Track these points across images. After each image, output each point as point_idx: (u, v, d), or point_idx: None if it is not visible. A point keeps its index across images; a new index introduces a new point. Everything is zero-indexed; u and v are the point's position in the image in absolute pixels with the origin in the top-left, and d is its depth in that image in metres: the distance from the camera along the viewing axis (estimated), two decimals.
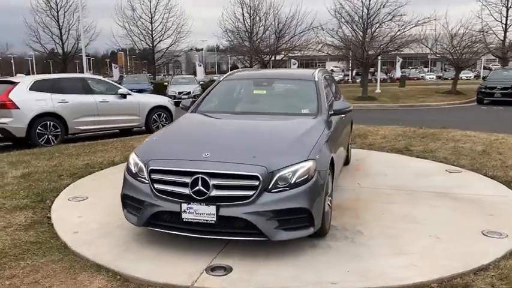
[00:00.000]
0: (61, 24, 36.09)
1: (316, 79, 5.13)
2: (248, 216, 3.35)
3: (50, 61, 61.50)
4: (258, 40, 28.38)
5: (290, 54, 30.21)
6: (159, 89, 24.02)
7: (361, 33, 21.66)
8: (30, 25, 35.27)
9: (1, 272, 3.35)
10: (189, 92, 22.80)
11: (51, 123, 9.67)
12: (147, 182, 3.59)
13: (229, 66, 68.81)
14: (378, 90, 27.07)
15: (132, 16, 34.25)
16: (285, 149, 3.68)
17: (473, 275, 3.22)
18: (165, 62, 43.35)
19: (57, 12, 36.29)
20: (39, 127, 9.48)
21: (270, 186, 3.39)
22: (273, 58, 26.97)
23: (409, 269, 3.30)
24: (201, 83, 26.83)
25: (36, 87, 9.63)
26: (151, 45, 35.56)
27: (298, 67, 31.41)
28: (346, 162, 6.56)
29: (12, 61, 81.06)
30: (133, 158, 3.84)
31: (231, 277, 3.21)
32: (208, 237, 3.47)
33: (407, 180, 5.77)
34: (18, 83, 9.57)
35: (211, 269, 3.31)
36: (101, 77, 12.79)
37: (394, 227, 4.18)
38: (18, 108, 9.20)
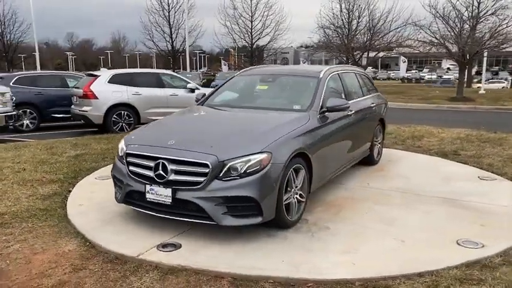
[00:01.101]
0: (172, 23, 39.12)
1: (321, 76, 5.16)
2: (198, 200, 3.63)
3: (170, 58, 67.04)
4: (352, 36, 27.80)
5: (400, 51, 28.95)
6: None
7: (457, 28, 20.08)
8: (145, 24, 38.82)
9: (4, 229, 4.08)
10: None
11: (125, 112, 10.80)
12: (125, 164, 4.07)
13: (336, 62, 68.05)
14: (482, 91, 24.85)
15: (233, 14, 35.75)
16: (243, 141, 3.88)
17: (404, 278, 3.13)
18: (273, 60, 44.47)
19: (169, 12, 39.43)
20: (114, 116, 10.66)
21: (221, 175, 3.63)
22: (365, 55, 26.21)
23: (344, 266, 3.31)
24: None
25: (114, 80, 10.83)
26: (250, 43, 36.74)
27: (408, 65, 30.03)
28: (372, 162, 6.41)
29: (138, 57, 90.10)
30: (121, 143, 4.34)
31: (173, 254, 3.53)
32: (166, 216, 3.83)
33: (425, 184, 5.50)
34: (99, 76, 10.85)
35: (163, 246, 3.66)
36: (173, 73, 13.77)
37: (365, 226, 4.13)
38: (97, 98, 10.44)
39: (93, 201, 4.81)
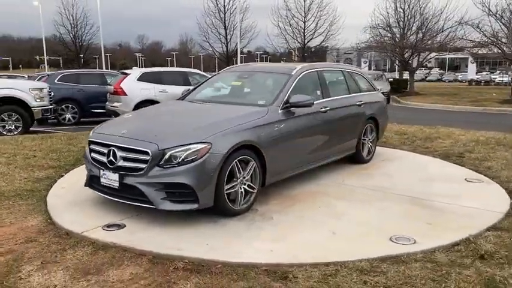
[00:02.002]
0: (227, 25, 40.02)
1: (293, 73, 5.28)
2: (140, 185, 3.93)
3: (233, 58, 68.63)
4: (404, 36, 26.96)
5: (472, 51, 27.64)
6: None
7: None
8: (201, 26, 40.05)
9: None
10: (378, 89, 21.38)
11: None
12: (88, 150, 4.47)
13: (396, 64, 66.40)
14: None
15: (286, 15, 35.92)
16: (187, 132, 4.13)
17: (309, 266, 3.21)
18: (335, 61, 44.25)
19: (224, 14, 40.34)
20: None
21: (161, 162, 3.90)
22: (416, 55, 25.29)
23: (261, 253, 3.45)
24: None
25: (143, 78, 11.48)
26: (302, 43, 36.73)
27: (480, 66, 28.69)
28: (360, 160, 6.38)
29: (201, 59, 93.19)
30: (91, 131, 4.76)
31: (113, 233, 3.83)
32: (115, 199, 4.16)
33: (402, 184, 5.43)
34: (129, 74, 11.55)
35: (109, 226, 3.99)
36: (202, 72, 14.23)
37: (309, 219, 4.22)
38: (126, 95, 11.12)
39: (75, 186, 5.26)
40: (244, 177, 4.28)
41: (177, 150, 3.90)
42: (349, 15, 40.23)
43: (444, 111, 18.44)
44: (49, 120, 11.93)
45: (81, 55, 53.17)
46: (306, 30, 36.37)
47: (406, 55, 25.11)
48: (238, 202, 4.25)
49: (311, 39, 36.66)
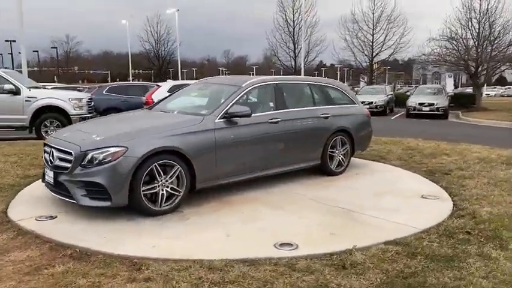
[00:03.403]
0: (295, 39, 40.53)
1: (243, 85, 5.55)
2: (66, 182, 4.47)
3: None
4: (470, 48, 25.37)
5: None
6: (400, 99, 24.07)
7: None
8: (270, 41, 40.97)
9: None
10: (433, 104, 20.83)
11: None
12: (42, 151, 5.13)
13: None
14: None
15: (353, 28, 35.50)
16: (110, 136, 4.60)
17: (177, 261, 3.49)
18: (421, 74, 42.80)
19: (293, 29, 40.92)
20: None
21: (83, 162, 4.40)
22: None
23: (144, 248, 3.78)
24: (449, 95, 24.27)
25: (172, 90, 12.27)
26: (370, 56, 35.98)
27: None
28: (328, 172, 6.42)
29: (281, 72, 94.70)
30: None
31: (39, 222, 4.38)
32: (53, 194, 4.73)
33: (353, 196, 5.43)
34: (161, 86, 12.43)
35: (40, 217, 4.54)
36: None
37: (220, 222, 4.47)
38: None
39: None
40: (166, 181, 4.63)
41: (96, 152, 4.38)
42: (418, 28, 38.61)
43: (481, 127, 17.25)
44: None
45: (169, 69, 57.01)
46: (374, 43, 35.60)
47: (472, 68, 23.59)
48: (159, 203, 4.61)
49: (379, 52, 35.78)
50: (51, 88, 17.16)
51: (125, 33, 48.15)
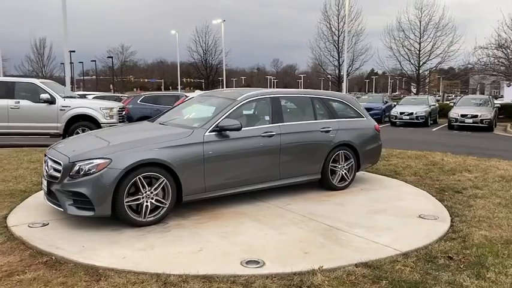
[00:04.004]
0: (339, 48, 40.03)
1: (238, 99, 5.59)
2: (56, 192, 4.68)
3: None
4: None
5: None
6: (447, 110, 23.53)
7: None
8: (314, 49, 40.75)
9: None
10: (476, 115, 19.48)
11: None
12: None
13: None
14: None
15: (399, 36, 34.60)
16: (98, 148, 4.76)
17: (118, 272, 3.56)
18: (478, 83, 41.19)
19: (338, 38, 40.47)
20: None
21: (71, 173, 4.60)
22: None
23: (112, 257, 3.88)
24: (496, 106, 22.32)
25: None
26: (417, 65, 34.89)
27: None
28: (330, 186, 6.29)
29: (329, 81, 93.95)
30: None
31: (30, 229, 4.60)
32: (47, 202, 4.96)
33: (346, 213, 5.30)
34: (188, 96, 12.70)
35: (33, 223, 4.78)
36: None
37: (199, 235, 4.51)
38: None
39: None
40: (151, 192, 4.74)
41: (82, 163, 4.56)
42: (468, 36, 36.97)
43: None
44: None
45: (218, 78, 58.19)
46: (421, 52, 34.50)
47: None
48: (143, 214, 4.71)
49: (426, 61, 34.62)
50: (93, 98, 18.01)
51: (176, 43, 49.61)
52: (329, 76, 42.52)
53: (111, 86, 77.39)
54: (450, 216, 5.25)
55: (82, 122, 11.66)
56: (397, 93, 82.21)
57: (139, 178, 4.64)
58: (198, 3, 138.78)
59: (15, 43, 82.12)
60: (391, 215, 5.25)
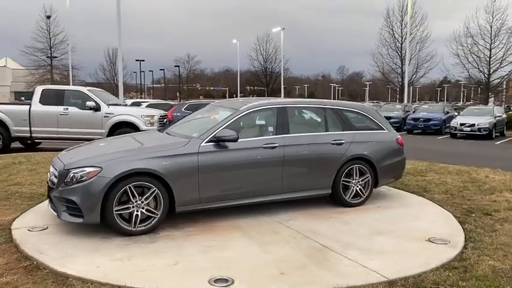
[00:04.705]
0: (402, 55, 38.53)
1: (241, 109, 5.47)
2: (54, 198, 4.82)
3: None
4: None
5: None
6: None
7: None
8: (375, 56, 39.59)
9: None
10: None
11: None
12: None
13: None
14: None
15: (467, 43, 32.56)
16: (93, 156, 4.84)
17: (85, 282, 3.54)
18: None
19: (401, 44, 39.01)
20: None
21: (66, 180, 4.71)
22: None
23: (86, 266, 3.90)
24: None
25: None
26: (487, 73, 32.62)
27: None
28: (342, 202, 5.95)
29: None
30: None
31: (29, 233, 4.76)
32: (49, 207, 5.11)
33: (345, 232, 4.98)
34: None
35: (33, 227, 4.95)
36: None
37: (182, 247, 4.43)
38: None
39: None
40: (142, 202, 4.73)
41: (75, 171, 4.65)
42: None
43: None
44: None
45: (285, 86, 58.49)
46: (491, 59, 32.23)
47: None
48: (133, 224, 4.71)
49: (498, 68, 32.26)
50: (147, 105, 18.68)
51: (240, 51, 50.61)
52: (392, 84, 40.98)
53: (177, 93, 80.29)
54: (465, 241, 4.74)
55: (124, 129, 12.07)
56: (470, 102, 77.44)
57: (129, 187, 4.65)
58: (264, 13, 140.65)
59: (91, 52, 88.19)
60: (396, 237, 4.84)
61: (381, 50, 39.23)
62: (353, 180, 6.00)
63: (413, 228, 5.16)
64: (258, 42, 57.01)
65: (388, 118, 22.94)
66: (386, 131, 6.45)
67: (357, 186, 6.04)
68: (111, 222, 4.63)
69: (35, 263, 4.04)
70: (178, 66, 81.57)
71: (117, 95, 19.73)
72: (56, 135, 12.20)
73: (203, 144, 5.07)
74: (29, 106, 12.30)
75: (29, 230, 4.87)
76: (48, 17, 47.62)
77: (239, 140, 5.23)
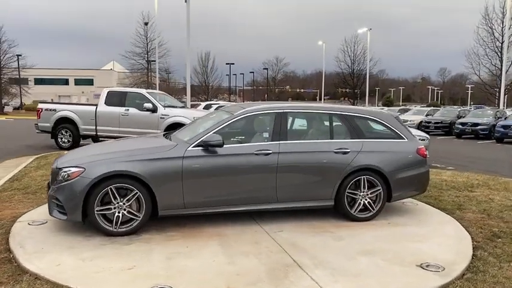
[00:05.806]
0: (503, 56, 35.03)
1: (236, 113, 5.33)
2: (50, 196, 5.09)
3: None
4: None
5: None
6: None
7: None
8: (472, 57, 36.46)
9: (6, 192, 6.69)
10: None
11: None
12: None
13: None
14: None
15: None
16: (79, 157, 5.04)
17: (41, 280, 3.66)
18: None
19: (502, 44, 35.52)
20: None
21: (58, 179, 4.95)
22: None
23: (48, 263, 4.04)
24: None
25: None
26: None
27: None
28: (347, 215, 5.52)
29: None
30: None
31: (28, 227, 5.08)
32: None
33: (332, 248, 4.61)
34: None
35: (33, 221, 5.29)
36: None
37: (150, 252, 4.40)
38: None
39: None
40: (124, 203, 4.80)
41: (64, 170, 4.87)
42: None
43: None
44: None
45: (378, 88, 56.70)
46: None
47: None
48: (114, 225, 4.80)
49: None
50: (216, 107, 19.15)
51: (327, 53, 49.91)
52: (490, 88, 37.51)
53: (265, 95, 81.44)
54: (466, 269, 4.10)
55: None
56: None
57: (110, 189, 4.75)
58: (358, 15, 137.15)
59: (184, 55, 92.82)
60: (384, 259, 4.34)
61: (478, 50, 36.05)
62: (360, 192, 5.52)
63: (411, 250, 4.60)
64: (346, 44, 55.68)
65: (474, 125, 21.36)
66: (406, 140, 5.84)
67: (365, 200, 5.54)
68: (93, 221, 4.76)
69: (11, 256, 4.29)
70: (267, 68, 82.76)
71: (208, 98, 20.47)
72: (117, 134, 12.98)
73: (190, 148, 5.02)
74: (95, 107, 13.27)
75: (28, 224, 5.21)
76: (146, 24, 51.24)
77: (230, 146, 5.11)
